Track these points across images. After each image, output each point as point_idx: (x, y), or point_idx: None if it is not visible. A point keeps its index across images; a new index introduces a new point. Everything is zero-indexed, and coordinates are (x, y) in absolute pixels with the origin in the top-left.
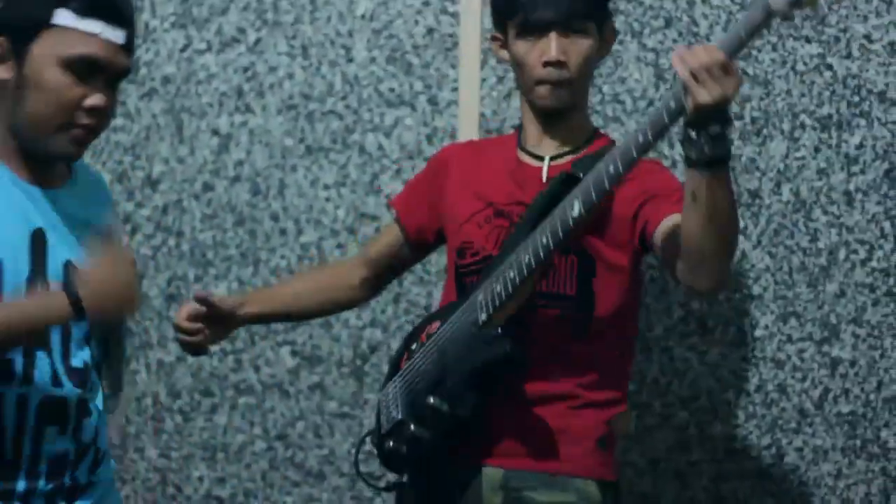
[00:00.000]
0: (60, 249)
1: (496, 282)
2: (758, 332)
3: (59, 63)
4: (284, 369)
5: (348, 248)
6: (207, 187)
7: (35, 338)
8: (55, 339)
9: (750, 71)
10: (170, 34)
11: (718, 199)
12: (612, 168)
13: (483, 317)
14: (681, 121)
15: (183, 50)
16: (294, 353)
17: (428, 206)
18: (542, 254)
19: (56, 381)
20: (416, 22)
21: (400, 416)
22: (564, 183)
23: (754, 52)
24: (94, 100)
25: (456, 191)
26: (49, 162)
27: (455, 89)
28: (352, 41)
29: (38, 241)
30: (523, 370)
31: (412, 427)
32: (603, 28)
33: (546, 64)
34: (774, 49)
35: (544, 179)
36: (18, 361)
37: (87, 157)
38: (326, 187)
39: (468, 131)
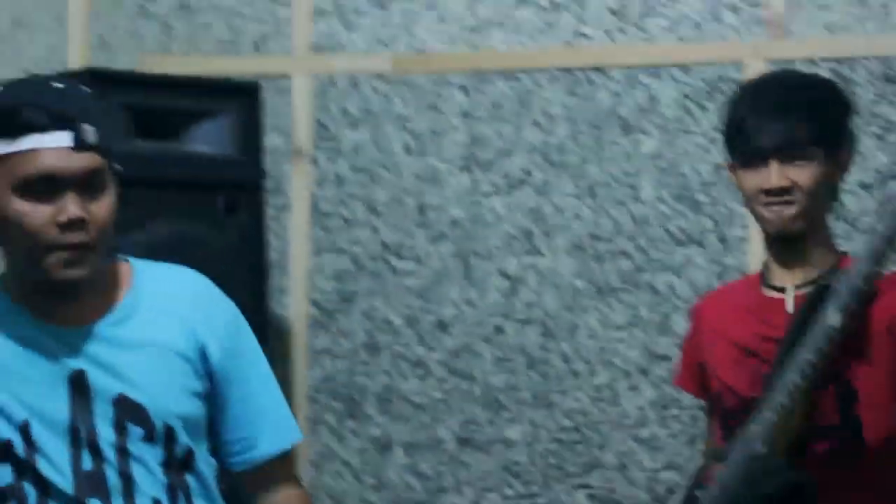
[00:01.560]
0: (106, 386)
1: (768, 410)
2: None
3: (13, 193)
4: None
5: (641, 390)
6: (498, 330)
7: None
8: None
9: None
10: (456, 177)
11: None
12: (863, 267)
13: (762, 448)
14: None
15: (470, 192)
16: (591, 497)
17: (699, 371)
18: (808, 371)
19: None
20: (703, 159)
21: None
22: (816, 299)
23: None
24: (66, 214)
25: (709, 339)
26: (67, 295)
27: (745, 226)
28: (638, 180)
29: (77, 383)
30: (812, 499)
31: None
32: (835, 153)
33: (768, 192)
34: None
35: (790, 310)
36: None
37: None
38: (618, 328)
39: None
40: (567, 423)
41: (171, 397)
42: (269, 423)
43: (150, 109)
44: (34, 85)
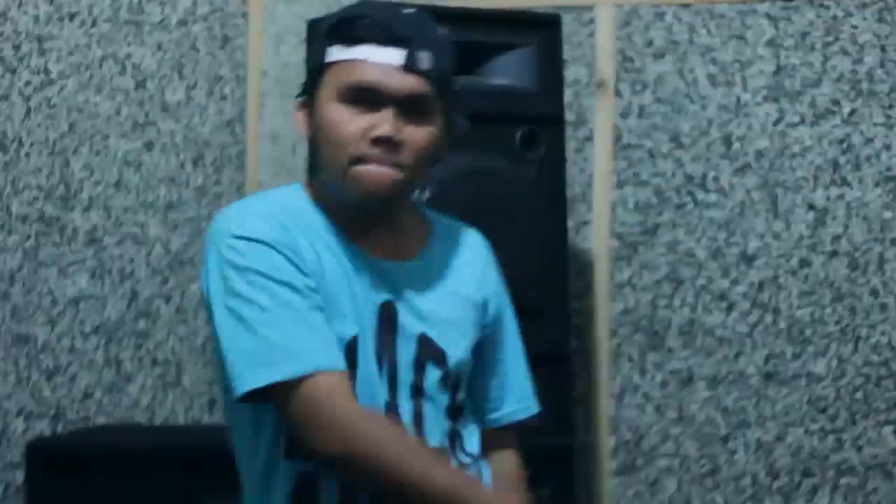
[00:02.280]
0: (411, 324)
1: None
2: None
3: (334, 98)
4: (887, 450)
5: None
6: (804, 263)
7: None
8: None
9: None
10: (762, 107)
11: None
12: None
13: None
14: None
15: (776, 123)
16: None
17: None
18: None
19: None
20: None
21: None
22: None
23: None
24: (380, 129)
25: None
26: (376, 218)
27: None
28: None
29: (386, 315)
30: None
31: None
32: None
33: None
34: None
35: None
36: None
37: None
38: None
39: None
40: (875, 357)
41: (463, 347)
42: (515, 391)
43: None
44: (383, 5)
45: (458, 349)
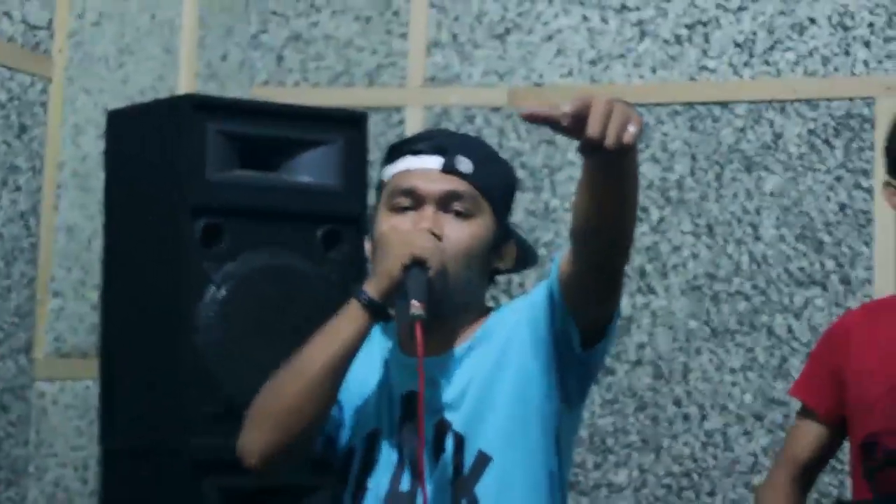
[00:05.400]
0: (434, 409)
1: None
2: None
3: (385, 209)
4: None
5: (754, 435)
6: (608, 371)
7: (343, 352)
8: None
9: None
10: (569, 214)
11: None
12: None
13: None
14: None
15: None
16: None
17: (831, 387)
18: None
19: None
20: (828, 198)
21: None
22: None
23: None
24: (420, 224)
25: (856, 372)
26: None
27: (869, 268)
28: (759, 219)
29: (409, 404)
30: None
31: None
32: None
33: None
34: None
35: None
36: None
37: None
38: (733, 371)
39: None
40: (676, 468)
41: (493, 426)
42: None
43: (252, 137)
44: (434, 131)
45: (481, 433)
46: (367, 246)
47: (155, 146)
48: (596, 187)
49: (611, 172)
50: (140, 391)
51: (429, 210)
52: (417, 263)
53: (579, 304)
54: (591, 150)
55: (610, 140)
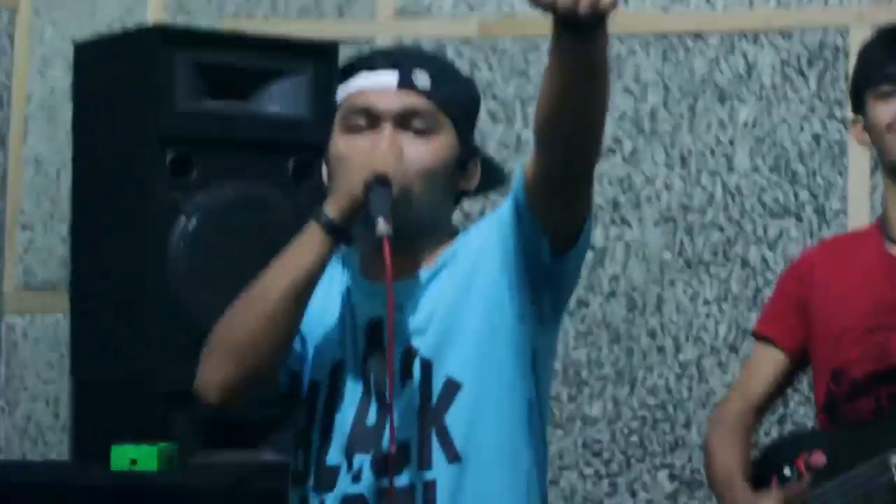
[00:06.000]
0: (401, 336)
1: None
2: None
3: (341, 133)
4: (663, 494)
5: (729, 366)
6: (581, 303)
7: (304, 278)
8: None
9: None
10: None
11: None
12: None
13: None
14: None
15: None
16: (672, 477)
17: (797, 319)
18: None
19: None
20: (802, 128)
21: None
22: None
23: None
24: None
25: (823, 304)
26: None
27: (843, 198)
28: (733, 150)
29: (374, 332)
30: None
31: None
32: None
33: None
34: None
35: None
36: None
37: None
38: (707, 302)
39: None
40: (651, 400)
41: (461, 354)
42: None
43: (221, 68)
44: (391, 47)
45: (450, 358)
46: (325, 170)
47: (123, 77)
48: (565, 71)
49: (581, 53)
50: (110, 323)
51: (386, 129)
52: (379, 180)
53: (545, 207)
54: (565, 22)
55: (583, 5)
